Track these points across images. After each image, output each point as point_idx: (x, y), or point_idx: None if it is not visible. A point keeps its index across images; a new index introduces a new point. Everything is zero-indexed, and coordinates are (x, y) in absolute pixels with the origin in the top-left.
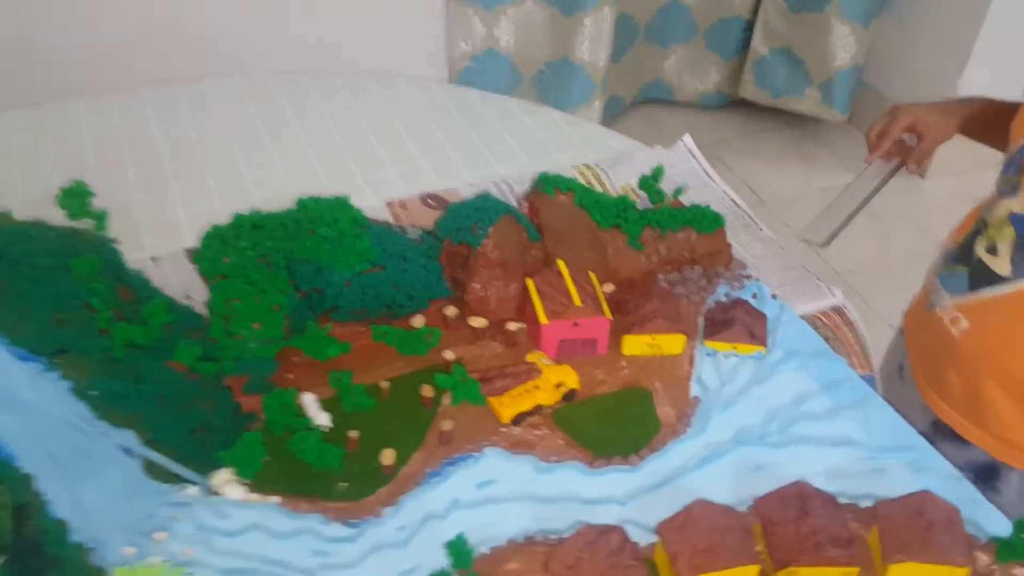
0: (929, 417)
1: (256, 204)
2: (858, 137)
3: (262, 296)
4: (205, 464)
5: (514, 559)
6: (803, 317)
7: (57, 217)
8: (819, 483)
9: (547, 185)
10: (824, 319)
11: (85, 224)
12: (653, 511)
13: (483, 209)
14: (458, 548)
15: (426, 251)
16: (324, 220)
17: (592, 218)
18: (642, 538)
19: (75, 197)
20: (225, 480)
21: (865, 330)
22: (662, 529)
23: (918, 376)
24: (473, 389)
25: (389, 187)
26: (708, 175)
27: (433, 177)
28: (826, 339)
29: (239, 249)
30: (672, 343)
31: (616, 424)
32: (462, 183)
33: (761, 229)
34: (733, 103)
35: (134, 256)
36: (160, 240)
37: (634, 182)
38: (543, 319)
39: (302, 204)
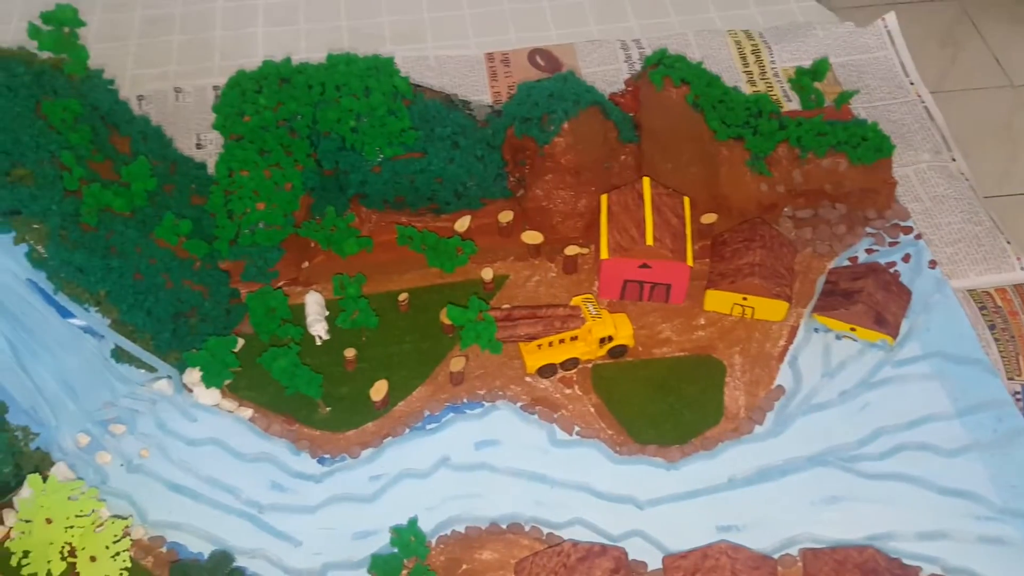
0: None
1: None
2: None
3: (274, 171)
4: (186, 355)
5: (490, 548)
6: (971, 291)
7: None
8: (906, 543)
9: (657, 72)
10: (999, 298)
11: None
12: (675, 529)
13: (559, 96)
14: (405, 536)
15: (488, 138)
16: (352, 88)
17: (708, 124)
18: (651, 559)
19: (54, 24)
20: (199, 379)
21: None
22: (669, 565)
23: None
24: (487, 332)
25: (497, 32)
26: (906, 72)
27: (551, 25)
28: (992, 326)
29: (258, 107)
30: (770, 308)
31: (667, 400)
32: (583, 37)
33: (954, 159)
34: None
35: (153, 87)
36: (190, 68)
37: (805, 65)
38: (604, 252)
39: (332, 62)
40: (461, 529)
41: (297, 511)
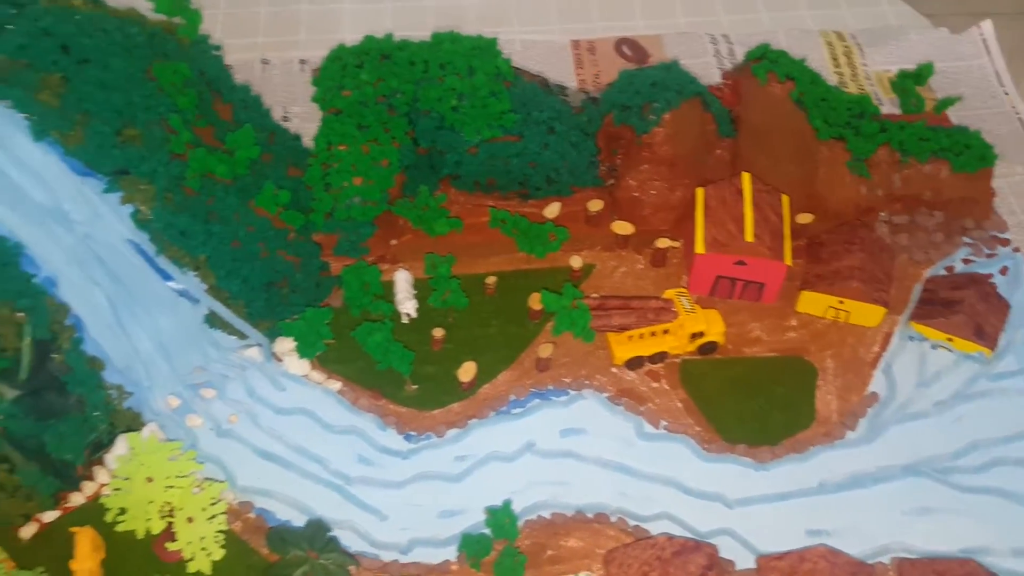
0: None
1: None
2: None
3: (372, 147)
4: (275, 325)
5: (576, 536)
6: None
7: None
8: (1001, 559)
9: (761, 66)
10: None
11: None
12: (765, 530)
13: (663, 85)
14: (499, 517)
15: (583, 125)
16: (456, 67)
17: (810, 123)
18: (740, 559)
19: None
20: (290, 349)
21: None
22: (764, 566)
23: None
24: (582, 320)
25: (582, 18)
26: (1001, 81)
27: (638, 14)
28: None
29: (359, 82)
30: (866, 313)
31: (758, 401)
32: (671, 28)
33: None
34: None
35: (240, 56)
36: (276, 40)
37: (895, 72)
38: (699, 246)
39: (437, 40)
40: (547, 515)
41: (384, 486)
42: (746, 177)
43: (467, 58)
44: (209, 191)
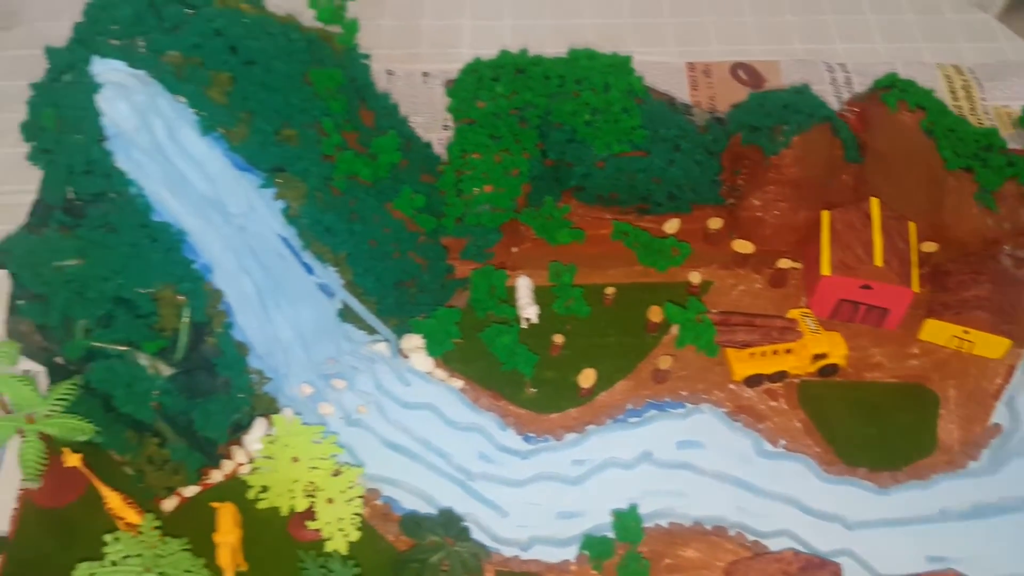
0: None
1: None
2: None
3: (504, 157)
4: (403, 323)
5: (693, 546)
6: None
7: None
8: None
9: (891, 94)
10: None
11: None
12: (885, 553)
13: (794, 108)
14: (626, 520)
15: (707, 144)
16: (593, 83)
17: (939, 152)
18: None
19: None
20: (416, 346)
21: None
22: None
23: None
24: (707, 334)
25: (698, 42)
26: None
27: (754, 39)
28: None
29: (494, 95)
30: (990, 344)
31: (879, 426)
32: (787, 56)
33: None
34: None
35: (405, 67)
36: (399, 52)
37: (1016, 108)
38: (825, 268)
39: (573, 57)
40: (664, 524)
41: (504, 483)
42: (875, 202)
43: (603, 74)
44: (352, 192)
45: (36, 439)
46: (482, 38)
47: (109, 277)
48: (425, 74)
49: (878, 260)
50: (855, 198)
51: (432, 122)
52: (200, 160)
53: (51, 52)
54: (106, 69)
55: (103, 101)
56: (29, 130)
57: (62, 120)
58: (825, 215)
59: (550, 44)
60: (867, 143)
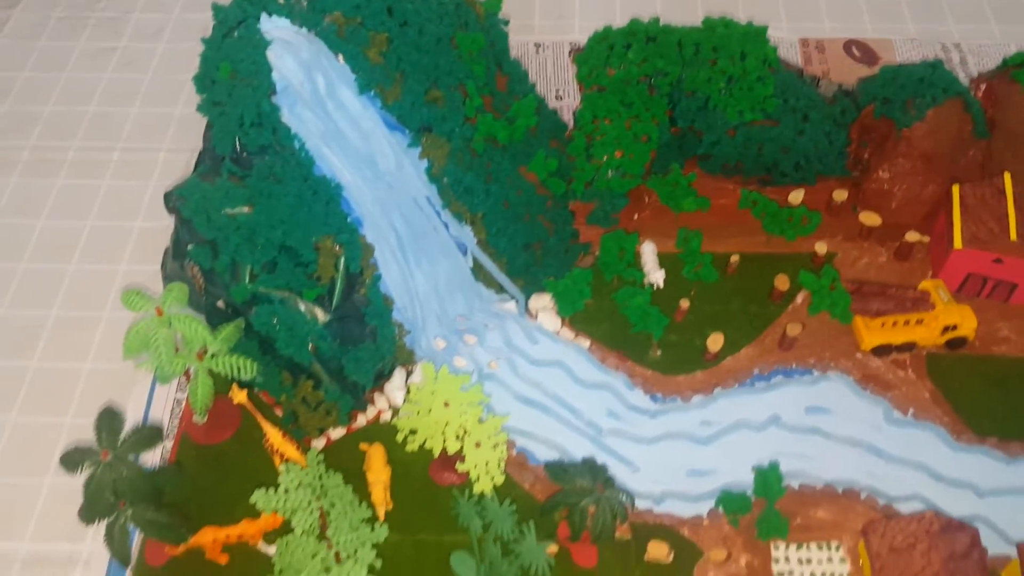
0: None
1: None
2: None
3: (634, 123)
4: (529, 283)
5: (824, 508)
6: None
7: None
8: None
9: (1022, 72)
10: None
11: None
12: (1018, 520)
13: (929, 82)
14: (768, 478)
15: (835, 115)
16: (730, 51)
17: None
18: (993, 545)
19: None
20: (544, 305)
21: None
22: None
23: None
24: (842, 302)
25: (811, 19)
26: None
27: (866, 18)
28: None
29: (625, 62)
30: None
31: (1008, 398)
32: (901, 36)
33: None
34: None
35: (517, 39)
36: (551, 23)
37: None
38: (958, 241)
39: (709, 25)
40: (795, 485)
41: (634, 440)
42: (1008, 177)
43: (740, 43)
44: (489, 154)
45: (206, 376)
46: (592, 11)
47: (276, 226)
48: (538, 45)
49: (1013, 235)
50: (982, 174)
51: (545, 92)
52: (355, 117)
53: (218, 9)
54: (273, 26)
55: (273, 56)
56: (201, 82)
57: (236, 73)
58: (956, 189)
59: (661, 13)
60: (995, 120)
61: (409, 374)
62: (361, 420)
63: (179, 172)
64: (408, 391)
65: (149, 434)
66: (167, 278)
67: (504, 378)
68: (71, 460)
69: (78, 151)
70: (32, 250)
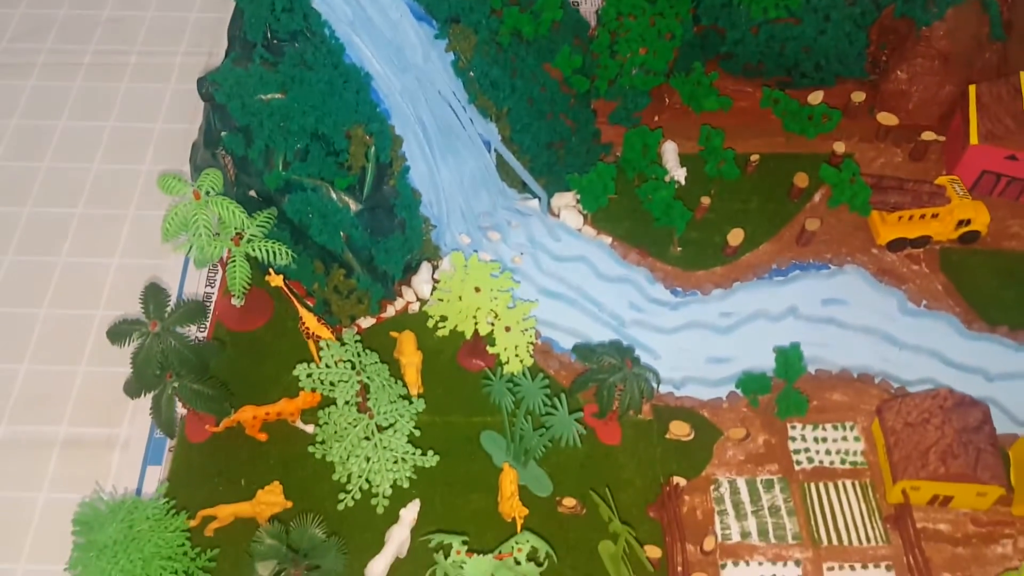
0: None
1: None
2: None
3: (658, 20)
4: (552, 182)
5: (840, 390)
6: None
7: None
8: None
9: None
10: None
11: None
12: None
13: None
14: (789, 358)
15: (856, 17)
16: None
17: None
18: (1002, 425)
19: None
20: (566, 203)
21: None
22: None
23: None
24: (863, 194)
25: None
26: None
27: None
28: None
29: None
30: None
31: (1020, 290)
32: None
33: None
34: None
35: None
36: None
37: None
38: (974, 137)
39: None
40: (811, 371)
41: (655, 330)
42: None
43: None
44: (514, 48)
45: (243, 259)
46: None
47: (308, 112)
48: None
49: None
50: (997, 76)
51: None
52: (384, 6)
53: None
54: None
55: None
56: None
57: None
58: (972, 88)
59: None
60: (1012, 22)
61: (435, 268)
62: (390, 311)
63: (197, 74)
64: (437, 282)
65: (195, 308)
66: (196, 169)
67: (528, 272)
68: (118, 332)
69: (94, 55)
70: (53, 151)
